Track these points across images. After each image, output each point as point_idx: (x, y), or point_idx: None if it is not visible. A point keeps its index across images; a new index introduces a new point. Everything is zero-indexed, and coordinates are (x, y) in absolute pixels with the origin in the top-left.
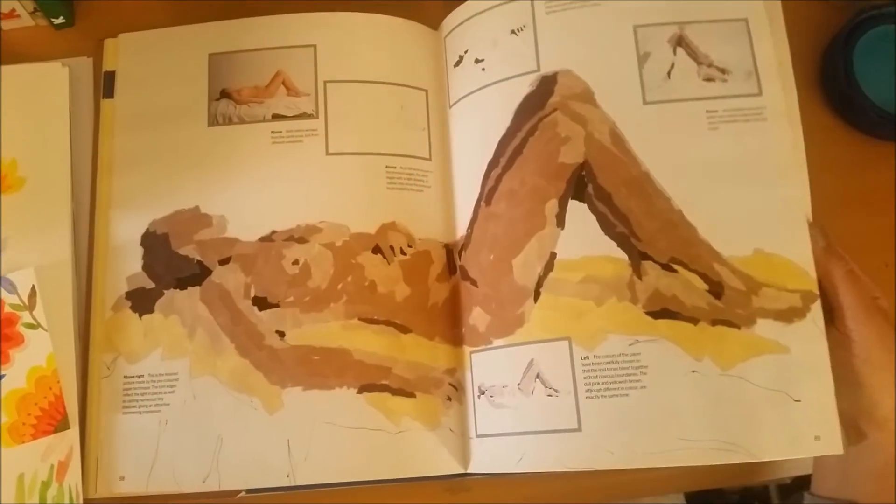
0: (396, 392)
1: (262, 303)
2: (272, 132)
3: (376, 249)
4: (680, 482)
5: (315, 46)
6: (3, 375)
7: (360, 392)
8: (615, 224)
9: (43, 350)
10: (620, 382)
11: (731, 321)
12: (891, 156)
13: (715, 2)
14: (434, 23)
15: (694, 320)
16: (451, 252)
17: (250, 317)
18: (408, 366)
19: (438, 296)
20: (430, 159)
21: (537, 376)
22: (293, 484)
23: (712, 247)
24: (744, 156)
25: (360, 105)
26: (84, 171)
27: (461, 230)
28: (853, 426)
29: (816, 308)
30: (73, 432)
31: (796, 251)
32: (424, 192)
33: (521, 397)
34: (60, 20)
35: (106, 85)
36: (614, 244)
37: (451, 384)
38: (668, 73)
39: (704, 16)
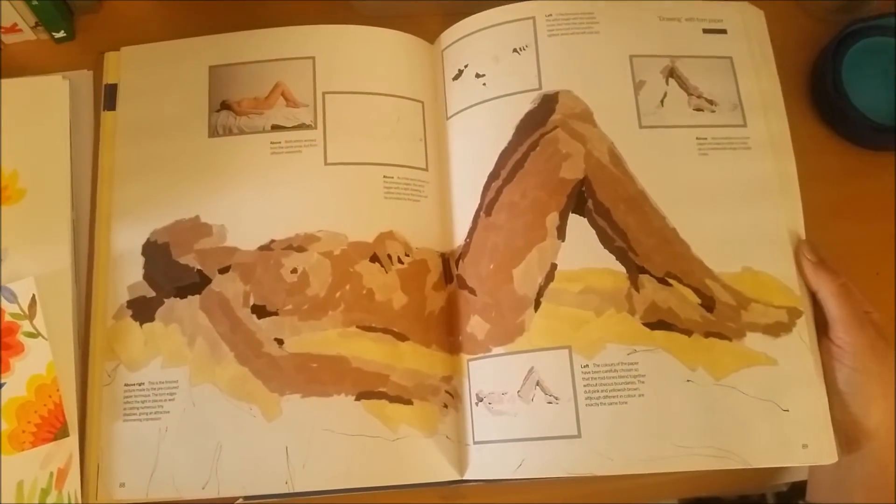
0: (394, 399)
1: (260, 311)
2: (271, 143)
3: (374, 258)
4: (675, 489)
5: (314, 58)
6: (4, 384)
7: (357, 399)
8: (614, 238)
9: (43, 358)
10: (619, 390)
11: (722, 334)
12: (880, 165)
13: (702, 39)
14: (430, 37)
15: (688, 332)
16: (448, 261)
17: (249, 325)
18: (405, 373)
19: (435, 304)
20: (426, 169)
21: (537, 384)
22: (292, 491)
23: (704, 263)
24: (731, 180)
25: (357, 116)
26: (84, 182)
27: (459, 240)
28: (846, 435)
29: (802, 323)
30: (73, 440)
31: (781, 270)
32: (421, 202)
33: (520, 404)
34: (61, 34)
35: (107, 97)
36: (613, 257)
37: (447, 392)
38: (662, 102)
39: (693, 51)
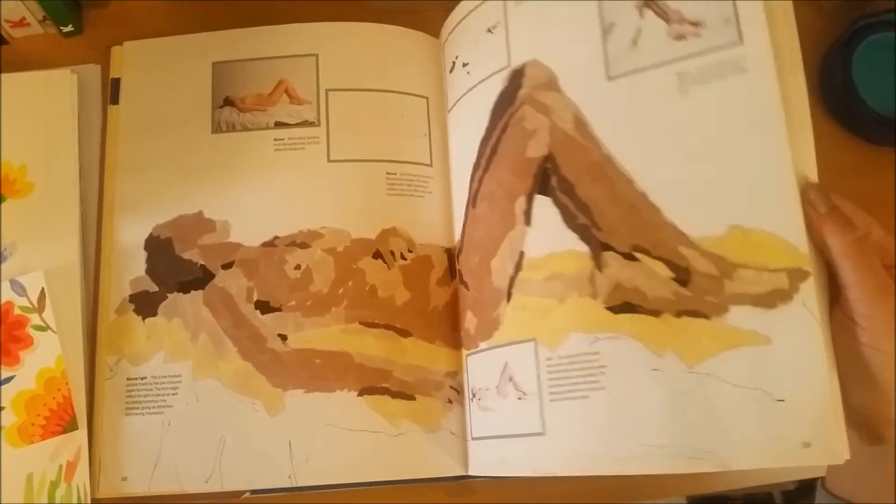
0: (396, 395)
1: (264, 307)
2: (275, 139)
3: (377, 254)
4: (683, 485)
5: (317, 56)
6: (13, 377)
7: (360, 394)
8: (577, 215)
9: (52, 352)
10: (580, 384)
11: (698, 311)
12: (890, 161)
13: None
14: (436, 31)
15: (656, 312)
16: (453, 256)
17: (253, 320)
18: (408, 369)
19: (439, 300)
20: (430, 165)
21: (510, 379)
22: (295, 485)
23: (678, 228)
24: (718, 118)
25: (361, 113)
26: (92, 176)
27: (458, 235)
28: (867, 425)
29: (807, 288)
30: (82, 433)
31: (782, 223)
32: (425, 198)
33: (499, 400)
34: (69, 28)
35: (112, 91)
36: (577, 237)
37: (452, 387)
38: (635, 41)
39: None
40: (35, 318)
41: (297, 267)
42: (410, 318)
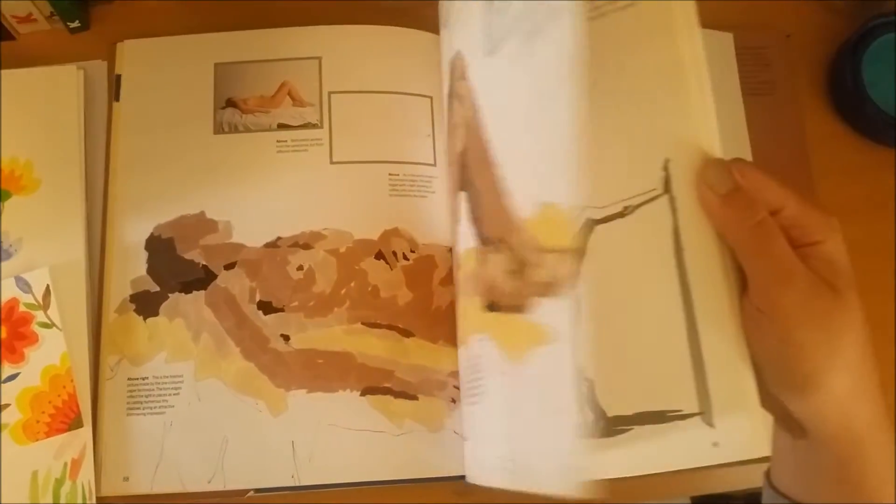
0: (398, 395)
1: (267, 307)
2: (277, 141)
3: (379, 255)
4: (685, 485)
5: (320, 58)
6: (18, 374)
7: (362, 395)
8: (473, 209)
9: (57, 349)
10: (476, 388)
11: (517, 305)
12: None
13: None
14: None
15: (499, 309)
16: None
17: (255, 321)
18: (410, 369)
19: (443, 299)
20: (434, 165)
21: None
22: (298, 484)
23: (514, 213)
24: (541, 76)
25: (363, 115)
26: (98, 173)
27: None
28: (791, 418)
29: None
30: (87, 431)
31: (568, 194)
32: (429, 198)
33: (464, 404)
34: (76, 24)
35: (115, 88)
36: (474, 231)
37: (455, 387)
38: (505, 9)
39: None
40: (40, 315)
41: (300, 268)
42: (413, 319)
